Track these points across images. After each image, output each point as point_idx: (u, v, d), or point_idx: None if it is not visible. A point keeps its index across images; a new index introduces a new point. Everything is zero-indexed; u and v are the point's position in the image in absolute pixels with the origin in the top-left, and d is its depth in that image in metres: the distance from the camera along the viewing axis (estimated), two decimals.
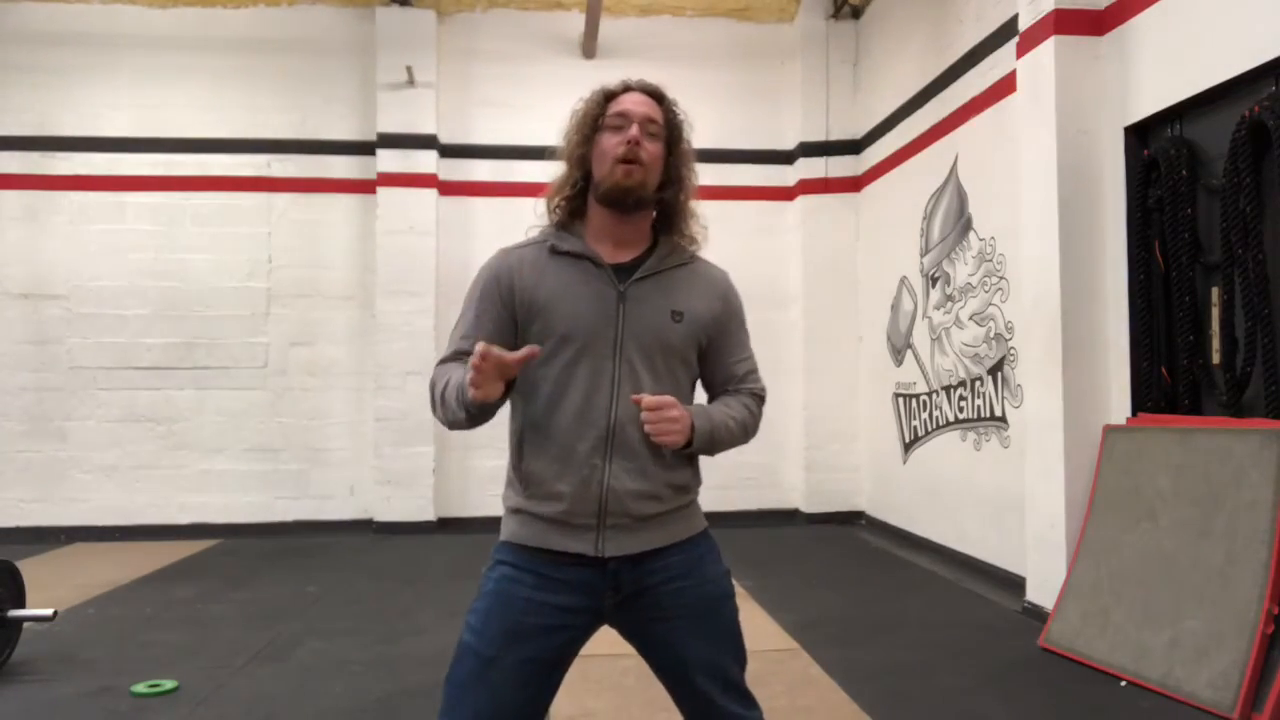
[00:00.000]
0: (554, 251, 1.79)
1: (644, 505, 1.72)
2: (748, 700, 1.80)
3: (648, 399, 1.65)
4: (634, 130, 1.73)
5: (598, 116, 1.78)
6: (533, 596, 1.71)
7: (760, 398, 1.91)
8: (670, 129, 1.81)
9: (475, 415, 1.66)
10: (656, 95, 1.82)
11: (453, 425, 1.73)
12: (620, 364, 1.72)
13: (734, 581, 1.86)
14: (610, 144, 1.75)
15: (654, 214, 1.84)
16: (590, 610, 1.74)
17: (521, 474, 1.76)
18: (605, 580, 1.73)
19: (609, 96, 1.80)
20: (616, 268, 1.77)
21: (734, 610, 1.83)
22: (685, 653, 1.76)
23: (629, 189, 1.74)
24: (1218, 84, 3.86)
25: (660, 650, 1.79)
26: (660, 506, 1.75)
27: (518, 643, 1.69)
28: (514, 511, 1.78)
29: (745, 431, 1.85)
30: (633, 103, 1.78)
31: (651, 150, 1.76)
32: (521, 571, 1.73)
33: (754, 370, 1.92)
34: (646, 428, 1.65)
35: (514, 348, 1.76)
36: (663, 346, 1.76)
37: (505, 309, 1.78)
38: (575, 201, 1.82)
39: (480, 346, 1.53)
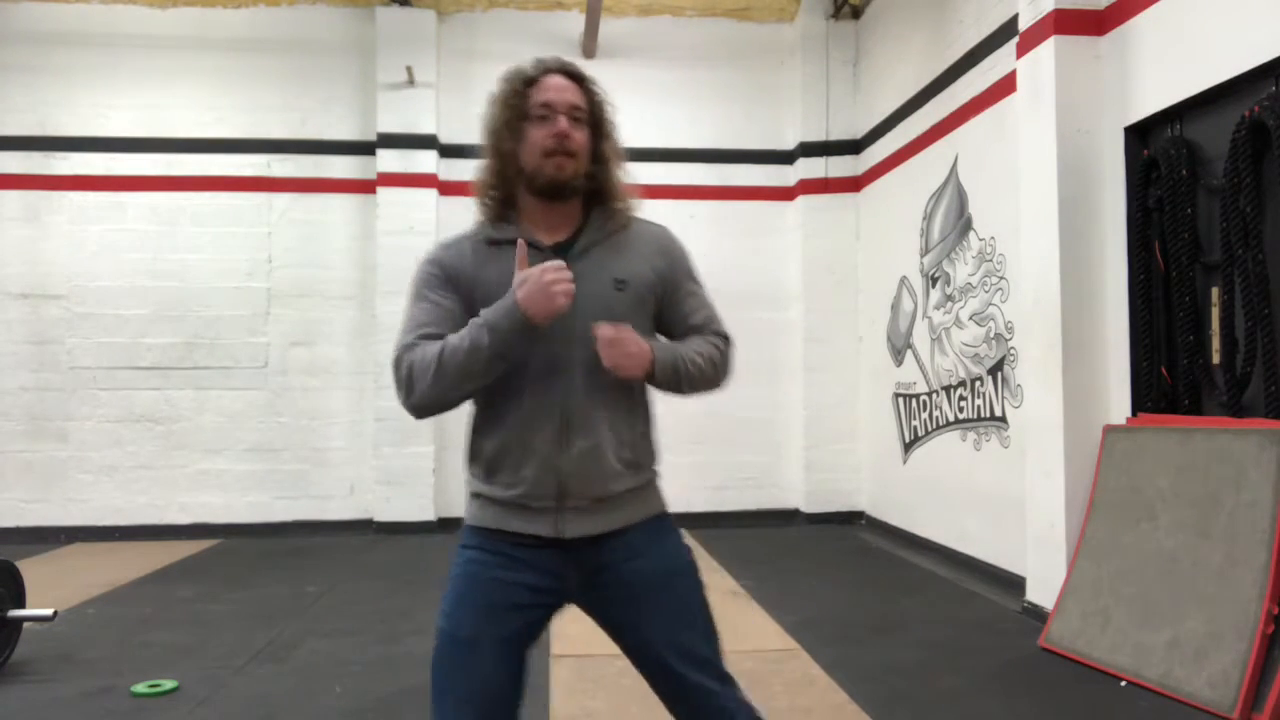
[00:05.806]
0: (490, 242, 1.79)
1: (602, 486, 1.74)
2: (723, 677, 1.79)
3: (604, 329, 1.65)
4: (562, 124, 1.73)
5: (521, 107, 1.76)
6: (500, 576, 1.74)
7: (725, 337, 1.89)
8: (593, 110, 1.80)
9: (505, 356, 1.64)
10: (576, 77, 1.80)
11: (447, 393, 1.68)
12: (572, 345, 1.72)
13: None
14: (539, 137, 1.74)
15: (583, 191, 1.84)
16: (556, 590, 1.77)
17: (480, 460, 1.78)
18: (568, 560, 1.75)
19: (528, 82, 1.77)
20: (555, 248, 1.78)
21: (697, 585, 1.83)
22: (650, 632, 1.77)
23: (563, 182, 1.75)
24: (1218, 84, 3.86)
25: (627, 632, 1.80)
26: (618, 486, 1.76)
27: (490, 623, 1.72)
28: (475, 496, 1.81)
29: (715, 369, 1.83)
30: (555, 91, 1.76)
31: (579, 139, 1.76)
32: (487, 554, 1.76)
33: (714, 317, 1.90)
34: (605, 361, 1.65)
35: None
36: (611, 318, 1.73)
37: (457, 295, 1.77)
38: (506, 191, 1.81)
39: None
